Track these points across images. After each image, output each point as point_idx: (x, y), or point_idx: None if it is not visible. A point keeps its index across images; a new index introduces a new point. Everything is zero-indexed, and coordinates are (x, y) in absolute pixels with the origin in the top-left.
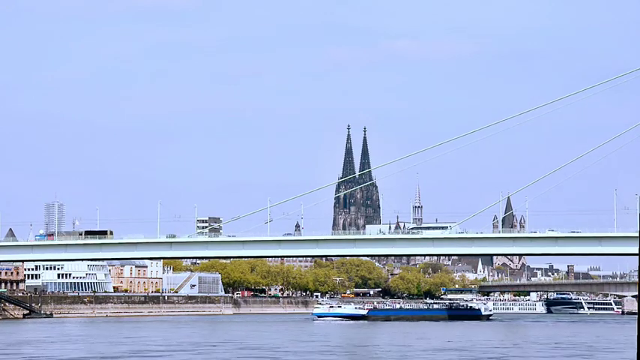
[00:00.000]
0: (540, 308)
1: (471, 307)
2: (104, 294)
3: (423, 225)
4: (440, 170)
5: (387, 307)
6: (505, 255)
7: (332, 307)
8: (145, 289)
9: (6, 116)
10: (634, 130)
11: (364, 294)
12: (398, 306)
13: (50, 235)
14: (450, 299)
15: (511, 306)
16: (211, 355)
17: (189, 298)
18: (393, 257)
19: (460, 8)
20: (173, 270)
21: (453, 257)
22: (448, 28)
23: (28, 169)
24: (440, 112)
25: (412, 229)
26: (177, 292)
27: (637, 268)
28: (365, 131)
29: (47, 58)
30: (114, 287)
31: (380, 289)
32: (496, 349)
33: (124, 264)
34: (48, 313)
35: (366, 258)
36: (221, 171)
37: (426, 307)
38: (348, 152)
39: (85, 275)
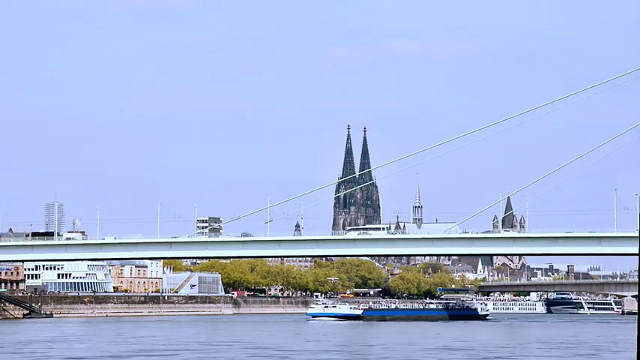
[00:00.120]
0: (540, 308)
1: (467, 306)
2: (104, 294)
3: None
4: (440, 170)
5: (383, 307)
6: (505, 255)
7: (327, 307)
8: (145, 289)
9: (6, 116)
10: (634, 130)
11: (364, 294)
12: (393, 306)
13: None
14: (445, 299)
15: (511, 306)
16: (219, 355)
17: (189, 298)
18: (393, 257)
19: (460, 8)
20: (173, 270)
21: (453, 257)
22: (448, 28)
23: (28, 169)
24: (440, 112)
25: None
26: (177, 292)
27: (637, 268)
28: (365, 131)
29: (47, 58)
30: (114, 287)
31: (380, 289)
32: (501, 348)
33: (124, 264)
34: (48, 313)
35: (366, 258)
36: (221, 171)
37: (421, 307)
38: (348, 152)
39: (85, 275)
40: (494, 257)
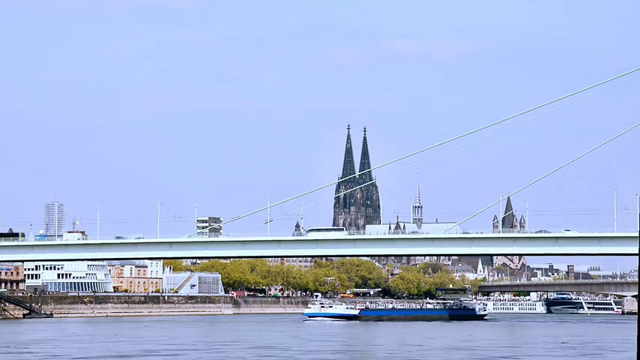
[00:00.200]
0: (540, 308)
1: (465, 306)
2: (104, 294)
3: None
4: (440, 170)
5: (380, 307)
6: (505, 255)
7: (323, 307)
8: (145, 289)
9: (6, 116)
10: (634, 130)
11: (364, 294)
12: (390, 306)
13: None
14: (443, 299)
15: (511, 306)
16: (226, 355)
17: (189, 298)
18: (393, 257)
19: (460, 8)
20: (173, 270)
21: (453, 257)
22: (448, 28)
23: (28, 169)
24: (440, 112)
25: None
26: (177, 292)
27: (637, 268)
28: (365, 131)
29: (47, 58)
30: (114, 287)
31: (380, 289)
32: (502, 348)
33: (124, 264)
34: (48, 313)
35: (366, 258)
36: (221, 171)
37: (418, 307)
38: (348, 152)
39: (85, 275)
40: (494, 257)
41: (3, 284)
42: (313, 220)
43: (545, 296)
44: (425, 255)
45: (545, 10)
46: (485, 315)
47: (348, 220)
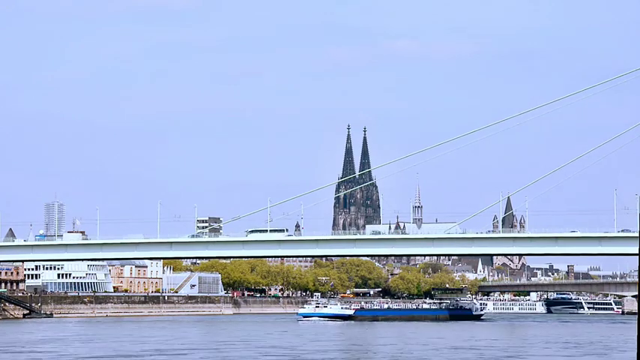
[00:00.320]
0: (540, 308)
1: (461, 306)
2: (104, 294)
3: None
4: (440, 170)
5: (375, 308)
6: (505, 255)
7: (318, 306)
8: (145, 289)
9: (6, 116)
10: (634, 130)
11: (364, 294)
12: (386, 306)
13: None
14: (439, 299)
15: (511, 306)
16: (236, 354)
17: (189, 298)
18: (393, 257)
19: (460, 8)
20: (173, 270)
21: (453, 257)
22: (448, 28)
23: (28, 169)
24: (440, 112)
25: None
26: (177, 292)
27: (637, 268)
28: (365, 131)
29: (47, 58)
30: (114, 287)
31: (380, 289)
32: (509, 348)
33: (124, 264)
34: (48, 313)
35: (366, 258)
36: (221, 171)
37: (414, 307)
38: (348, 152)
39: (85, 275)
40: (494, 257)
41: (3, 284)
42: (313, 221)
43: (545, 296)
44: (425, 255)
45: (545, 10)
46: (481, 315)
47: (348, 220)
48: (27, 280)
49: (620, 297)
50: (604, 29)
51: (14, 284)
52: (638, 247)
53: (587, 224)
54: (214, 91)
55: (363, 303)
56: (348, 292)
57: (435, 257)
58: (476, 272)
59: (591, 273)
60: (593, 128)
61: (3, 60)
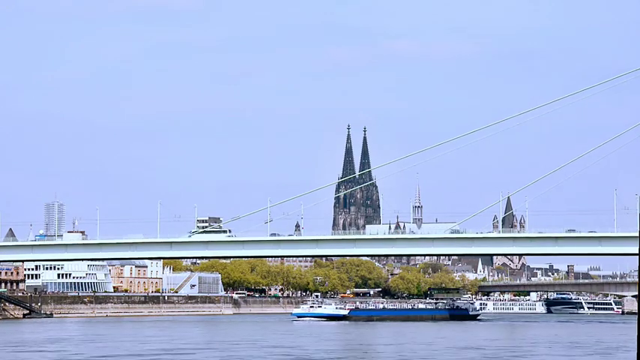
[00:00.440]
0: (540, 308)
1: (458, 306)
2: (104, 294)
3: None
4: (440, 170)
5: (370, 308)
6: (505, 255)
7: (312, 307)
8: (145, 289)
9: (6, 116)
10: (634, 130)
11: (364, 294)
12: (381, 306)
13: None
14: (435, 299)
15: (511, 306)
16: (243, 353)
17: (189, 298)
18: (393, 257)
19: (460, 8)
20: (173, 270)
21: (453, 257)
22: (448, 28)
23: (28, 169)
24: (440, 112)
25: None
26: (177, 292)
27: (637, 268)
28: (365, 131)
29: (47, 58)
30: (114, 287)
31: (380, 289)
32: (514, 348)
33: (124, 264)
34: (48, 313)
35: (366, 258)
36: (221, 171)
37: (410, 307)
38: (348, 152)
39: (85, 275)
40: (494, 257)
41: (3, 284)
42: (313, 221)
43: (545, 296)
44: (425, 255)
45: (545, 10)
46: (478, 315)
47: (348, 220)
48: (27, 280)
49: (620, 297)
50: (604, 29)
51: (14, 284)
52: (638, 247)
53: (587, 224)
54: (214, 91)
55: (358, 303)
56: (348, 292)
57: (435, 257)
58: (476, 272)
59: (591, 273)
60: (593, 128)
61: (3, 60)
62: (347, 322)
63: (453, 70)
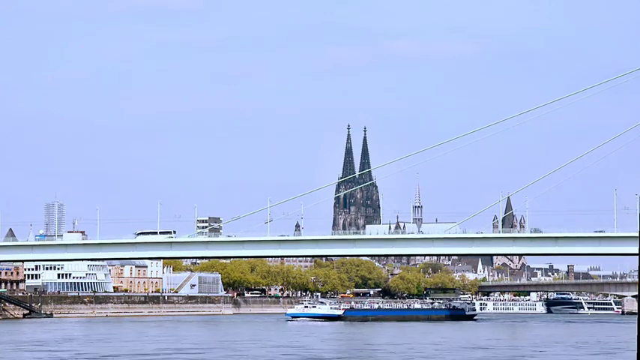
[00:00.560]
0: (540, 308)
1: (454, 306)
2: (104, 294)
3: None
4: (440, 170)
5: (365, 308)
6: (505, 255)
7: (306, 307)
8: (145, 289)
9: (6, 116)
10: (634, 130)
11: (364, 294)
12: (376, 306)
13: None
14: (431, 299)
15: (511, 306)
16: (253, 353)
17: (189, 298)
18: (393, 257)
19: (460, 8)
20: (173, 270)
21: (453, 257)
22: (448, 28)
23: (28, 169)
24: (440, 112)
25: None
26: (177, 292)
27: (637, 268)
28: (365, 131)
29: (47, 58)
30: (114, 287)
31: (380, 289)
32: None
33: (124, 264)
34: (48, 313)
35: (366, 258)
36: (221, 171)
37: (405, 308)
38: (348, 152)
39: (85, 275)
40: (494, 257)
41: (3, 284)
42: (313, 221)
43: (545, 296)
44: (425, 255)
45: (545, 10)
46: (474, 315)
47: (348, 220)
48: (27, 280)
49: (620, 297)
50: (604, 29)
51: (14, 284)
52: (638, 247)
53: (587, 224)
54: (214, 91)
55: (353, 303)
56: (348, 292)
57: (435, 257)
58: (476, 272)
59: (591, 273)
60: (593, 128)
61: (3, 60)
62: (341, 322)
63: (453, 70)
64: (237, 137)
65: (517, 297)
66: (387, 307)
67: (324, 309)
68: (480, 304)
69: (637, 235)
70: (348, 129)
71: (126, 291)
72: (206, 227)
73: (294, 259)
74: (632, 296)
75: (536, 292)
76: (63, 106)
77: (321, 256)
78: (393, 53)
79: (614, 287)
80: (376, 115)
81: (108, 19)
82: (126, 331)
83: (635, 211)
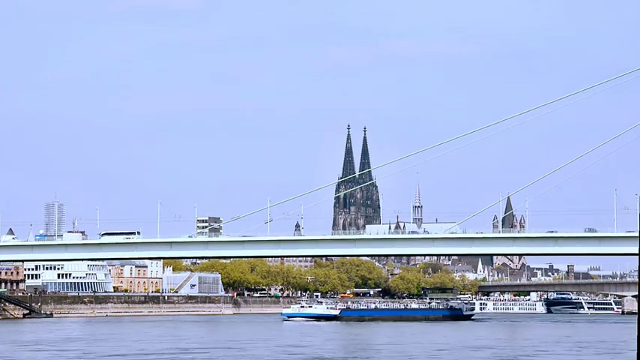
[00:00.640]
0: (540, 308)
1: (451, 306)
2: (104, 294)
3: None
4: (440, 170)
5: (362, 308)
6: (505, 255)
7: (302, 307)
8: (145, 289)
9: (6, 116)
10: (634, 130)
11: (364, 294)
12: (373, 306)
13: None
14: (429, 299)
15: (511, 306)
16: (260, 352)
17: (189, 298)
18: (393, 257)
19: (460, 8)
20: (173, 270)
21: (453, 257)
22: (448, 28)
23: (28, 169)
24: (440, 112)
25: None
26: (177, 292)
27: (637, 268)
28: (365, 131)
29: (47, 58)
30: (114, 287)
31: (380, 289)
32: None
33: (124, 264)
34: (48, 313)
35: (366, 258)
36: (221, 171)
37: (402, 307)
38: (348, 152)
39: (85, 275)
40: (494, 257)
41: (3, 284)
42: (313, 221)
43: (545, 296)
44: (425, 255)
45: (545, 10)
46: (472, 315)
47: (348, 220)
48: (27, 280)
49: (620, 297)
50: (604, 29)
51: (14, 284)
52: (638, 247)
53: (587, 224)
54: (214, 91)
55: (349, 303)
56: (348, 292)
57: (435, 257)
58: (476, 272)
59: (591, 273)
60: (593, 128)
61: (3, 60)
62: (338, 322)
63: (453, 70)
64: (237, 137)
65: (517, 297)
66: (383, 307)
67: (320, 309)
68: (480, 304)
69: (637, 235)
70: (348, 129)
71: (126, 291)
72: (206, 227)
73: (294, 259)
74: (632, 296)
75: (536, 292)
76: (63, 106)
77: (321, 256)
78: (393, 53)
79: (614, 287)
80: (376, 115)
81: (108, 19)
82: (128, 331)
83: (635, 211)
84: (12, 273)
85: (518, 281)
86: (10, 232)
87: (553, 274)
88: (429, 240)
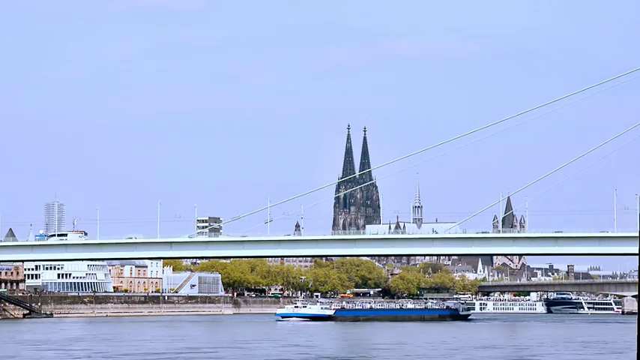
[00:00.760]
0: (540, 308)
1: (448, 306)
2: (104, 294)
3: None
4: (440, 170)
5: (357, 308)
6: (505, 255)
7: (297, 307)
8: (145, 289)
9: (6, 116)
10: (634, 130)
11: (364, 294)
12: (368, 306)
13: None
14: (425, 299)
15: (511, 306)
16: (266, 352)
17: (189, 298)
18: (393, 257)
19: (460, 8)
20: (173, 270)
21: (453, 257)
22: (448, 28)
23: (28, 169)
24: (440, 112)
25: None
26: (177, 292)
27: (637, 268)
28: (365, 131)
29: (47, 58)
30: (114, 287)
31: (380, 289)
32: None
33: (124, 264)
34: (48, 313)
35: (366, 258)
36: (221, 171)
37: (398, 308)
38: (348, 152)
39: (85, 275)
40: (494, 257)
41: (3, 284)
42: (313, 221)
43: (545, 296)
44: (425, 255)
45: (545, 10)
46: (469, 315)
47: (348, 220)
48: (27, 280)
49: (620, 297)
50: (604, 29)
51: (14, 284)
52: (638, 247)
53: (587, 224)
54: (214, 91)
55: (344, 303)
56: (348, 292)
57: (435, 257)
58: (476, 272)
59: (591, 273)
60: (593, 128)
61: (3, 60)
62: (332, 322)
63: (453, 70)
64: (237, 137)
65: (517, 297)
66: (379, 307)
67: (315, 309)
68: (480, 304)
69: (637, 235)
70: (348, 129)
71: (126, 291)
72: (206, 227)
73: (294, 259)
74: (632, 296)
75: (536, 292)
76: (63, 106)
77: (321, 256)
78: (393, 53)
79: (614, 287)
80: (376, 115)
81: (108, 19)
82: (130, 331)
83: (635, 211)
84: (12, 273)
85: (518, 281)
86: (10, 232)
87: (553, 274)
88: (429, 240)
